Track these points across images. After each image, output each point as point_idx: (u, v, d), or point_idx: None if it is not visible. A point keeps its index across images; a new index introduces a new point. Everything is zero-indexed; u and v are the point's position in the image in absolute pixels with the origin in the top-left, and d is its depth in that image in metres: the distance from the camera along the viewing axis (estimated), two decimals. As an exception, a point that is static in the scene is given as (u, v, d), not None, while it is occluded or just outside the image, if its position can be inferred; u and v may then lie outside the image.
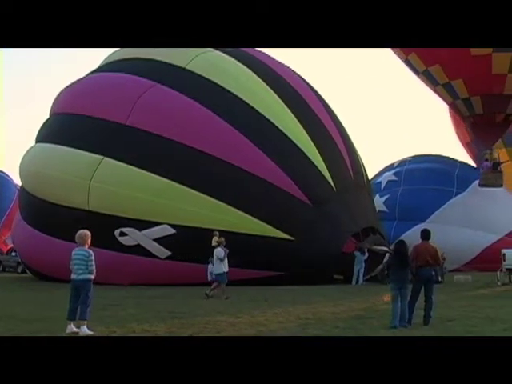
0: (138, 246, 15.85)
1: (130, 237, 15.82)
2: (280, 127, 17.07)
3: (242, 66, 18.36)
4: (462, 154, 34.67)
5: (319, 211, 16.64)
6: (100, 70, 19.99)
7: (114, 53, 20.31)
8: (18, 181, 26.23)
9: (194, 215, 15.66)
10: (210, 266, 14.41)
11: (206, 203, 15.67)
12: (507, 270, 16.80)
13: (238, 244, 13.87)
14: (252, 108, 17.09)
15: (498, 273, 16.59)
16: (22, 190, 19.54)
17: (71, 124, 17.71)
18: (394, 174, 26.87)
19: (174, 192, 15.74)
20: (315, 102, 19.09)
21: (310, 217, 16.46)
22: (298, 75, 20.23)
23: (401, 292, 8.01)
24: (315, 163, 17.16)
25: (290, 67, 20.44)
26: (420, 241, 8.53)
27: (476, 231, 23.62)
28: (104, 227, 15.11)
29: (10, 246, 30.97)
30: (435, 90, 25.08)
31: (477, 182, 24.76)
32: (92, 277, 7.43)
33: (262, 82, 17.97)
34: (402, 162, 27.78)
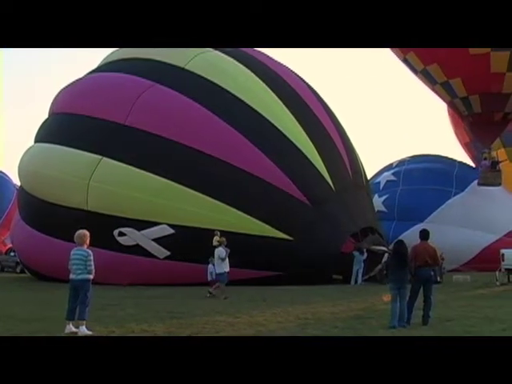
0: (137, 245, 15.84)
1: (129, 237, 15.82)
2: (279, 127, 17.07)
3: (241, 66, 18.35)
4: (460, 154, 34.75)
5: (318, 211, 16.64)
6: (99, 69, 19.95)
7: (112, 53, 20.29)
8: (16, 181, 26.24)
9: (193, 215, 15.65)
10: (210, 265, 14.40)
11: (205, 203, 15.67)
12: (506, 270, 16.78)
13: (236, 244, 13.85)
14: (251, 108, 17.08)
15: (497, 273, 16.59)
16: (21, 189, 19.51)
17: (70, 124, 17.69)
18: (393, 174, 26.87)
19: (173, 192, 15.73)
20: (314, 102, 19.09)
21: (308, 217, 16.46)
22: (297, 75, 20.24)
23: (400, 292, 8.01)
24: (314, 163, 17.16)
25: (289, 67, 20.46)
26: (419, 241, 8.53)
27: (475, 231, 23.63)
28: (103, 227, 15.11)
29: (9, 245, 30.88)
30: (433, 89, 25.09)
31: (476, 182, 24.78)
32: (91, 277, 7.43)
33: (261, 82, 17.97)
34: (401, 162, 27.79)
